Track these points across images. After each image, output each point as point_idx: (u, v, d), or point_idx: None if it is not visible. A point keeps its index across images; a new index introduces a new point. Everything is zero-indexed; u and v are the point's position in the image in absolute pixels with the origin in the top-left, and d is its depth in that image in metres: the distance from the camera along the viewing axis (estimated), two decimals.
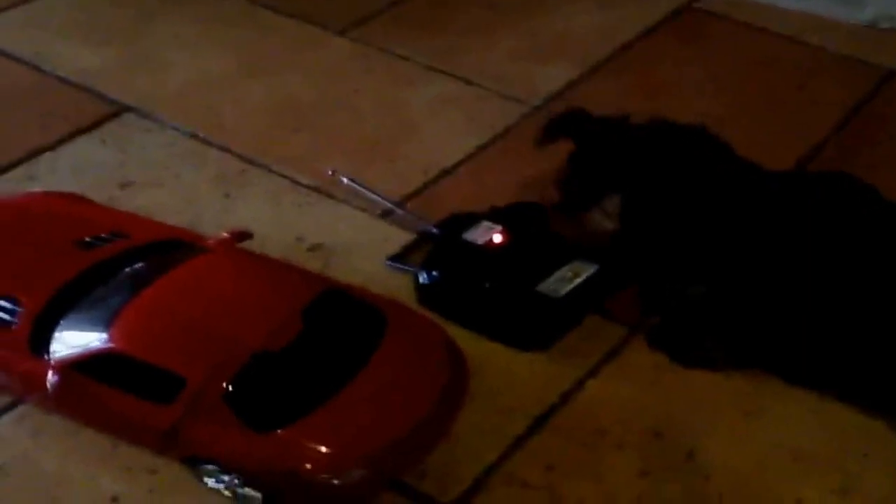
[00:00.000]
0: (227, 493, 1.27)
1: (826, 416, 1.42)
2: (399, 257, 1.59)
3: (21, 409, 1.37)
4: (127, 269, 1.38)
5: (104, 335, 1.28)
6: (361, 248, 1.62)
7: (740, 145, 1.59)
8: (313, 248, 1.62)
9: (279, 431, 1.22)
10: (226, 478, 1.25)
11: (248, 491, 1.25)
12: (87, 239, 1.44)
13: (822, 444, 1.39)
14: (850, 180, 1.50)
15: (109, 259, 1.40)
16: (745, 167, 1.54)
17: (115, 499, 1.29)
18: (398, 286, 1.54)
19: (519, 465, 1.34)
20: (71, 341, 1.30)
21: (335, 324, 1.32)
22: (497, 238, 1.55)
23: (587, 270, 1.51)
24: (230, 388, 1.23)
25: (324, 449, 1.22)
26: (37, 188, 1.69)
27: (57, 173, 1.74)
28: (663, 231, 1.49)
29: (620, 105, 1.65)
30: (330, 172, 1.73)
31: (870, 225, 1.44)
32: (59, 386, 1.26)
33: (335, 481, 1.21)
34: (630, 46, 2.13)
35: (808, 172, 1.68)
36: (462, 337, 1.46)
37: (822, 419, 1.41)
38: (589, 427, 1.39)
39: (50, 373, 1.27)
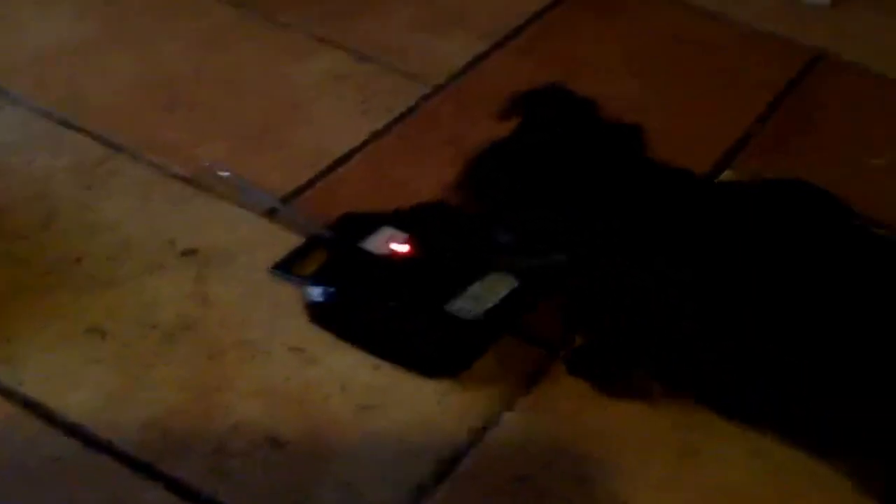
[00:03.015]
0: None
1: (765, 458, 1.26)
2: (285, 265, 1.40)
3: None
4: None
5: None
6: (243, 254, 1.42)
7: (664, 133, 1.42)
8: (187, 253, 1.41)
9: None
10: None
11: None
12: None
13: (762, 488, 1.24)
14: (806, 189, 1.34)
15: None
16: (690, 181, 1.37)
17: None
18: (287, 300, 1.35)
19: None
20: None
21: None
22: (401, 247, 1.37)
23: (505, 286, 1.34)
24: None
25: None
26: None
27: None
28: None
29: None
30: (207, 165, 1.52)
31: (828, 243, 1.28)
32: None
33: None
34: (539, 18, 1.94)
35: (756, 182, 1.50)
36: (362, 361, 1.29)
37: (761, 461, 1.26)
38: (505, 472, 1.22)
39: None
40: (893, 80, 1.87)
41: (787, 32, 1.96)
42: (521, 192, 1.30)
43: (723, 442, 1.27)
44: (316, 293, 1.34)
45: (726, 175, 1.64)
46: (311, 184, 1.54)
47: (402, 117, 1.68)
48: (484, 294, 1.33)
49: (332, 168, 1.57)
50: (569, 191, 1.29)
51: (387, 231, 1.39)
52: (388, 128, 1.66)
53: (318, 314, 1.34)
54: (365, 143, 1.62)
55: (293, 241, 1.44)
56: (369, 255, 1.37)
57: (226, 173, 1.51)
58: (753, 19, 1.98)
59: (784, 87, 1.84)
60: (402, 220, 1.41)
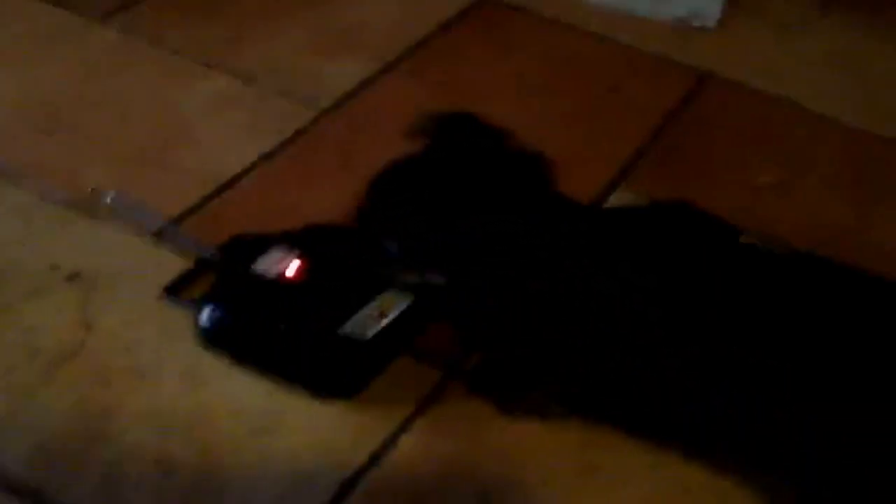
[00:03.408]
0: None
1: (666, 473, 1.25)
2: (175, 289, 1.36)
3: None
4: None
5: None
6: (130, 278, 1.38)
7: (554, 155, 1.42)
8: (72, 278, 1.37)
9: None
10: None
11: None
12: None
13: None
14: (690, 212, 1.34)
15: None
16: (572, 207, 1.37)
17: None
18: (177, 324, 1.32)
19: None
20: None
21: None
22: (292, 268, 1.34)
23: (398, 305, 1.31)
24: None
25: None
26: None
27: None
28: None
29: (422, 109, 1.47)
30: (90, 188, 1.48)
31: (715, 263, 1.29)
32: None
33: None
34: (427, 42, 1.93)
35: (640, 207, 1.50)
36: (255, 385, 1.26)
37: (662, 476, 1.25)
38: (404, 495, 1.20)
39: None
40: (779, 98, 1.88)
41: (674, 54, 1.97)
42: (432, 204, 1.29)
43: (621, 457, 1.26)
44: (207, 317, 1.30)
45: (616, 196, 1.63)
46: (198, 207, 1.50)
47: (291, 140, 1.65)
48: (377, 314, 1.30)
49: (220, 190, 1.54)
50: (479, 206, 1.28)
51: (277, 252, 1.36)
52: (277, 150, 1.63)
53: (210, 338, 1.30)
54: (254, 166, 1.59)
55: (181, 264, 1.40)
56: (260, 276, 1.33)
57: (111, 196, 1.46)
58: (641, 41, 1.98)
59: (672, 108, 1.84)
60: (292, 241, 1.38)
